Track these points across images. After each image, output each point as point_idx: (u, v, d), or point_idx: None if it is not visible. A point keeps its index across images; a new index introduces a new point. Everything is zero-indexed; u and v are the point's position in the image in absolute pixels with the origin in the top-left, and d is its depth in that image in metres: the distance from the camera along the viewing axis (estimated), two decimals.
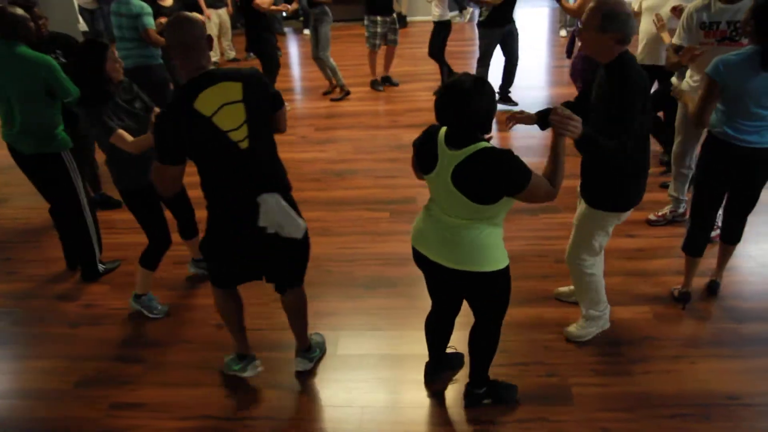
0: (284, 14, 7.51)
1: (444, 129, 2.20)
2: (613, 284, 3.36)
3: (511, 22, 6.11)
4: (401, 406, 2.76)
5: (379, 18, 6.83)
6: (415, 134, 2.39)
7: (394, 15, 6.96)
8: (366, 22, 6.96)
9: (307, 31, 10.19)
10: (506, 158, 2.08)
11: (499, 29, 6.06)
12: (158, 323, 3.42)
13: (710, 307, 3.25)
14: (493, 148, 2.10)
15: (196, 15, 5.62)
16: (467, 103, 2.02)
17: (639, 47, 4.41)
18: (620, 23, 2.34)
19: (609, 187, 2.65)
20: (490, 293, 2.36)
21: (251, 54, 8.70)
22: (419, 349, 2.96)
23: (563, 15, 9.04)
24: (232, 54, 8.75)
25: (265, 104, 2.36)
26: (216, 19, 8.18)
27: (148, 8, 4.88)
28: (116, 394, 2.94)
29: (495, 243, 2.25)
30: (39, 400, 2.94)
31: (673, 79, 3.96)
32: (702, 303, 3.29)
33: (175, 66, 5.23)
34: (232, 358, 2.98)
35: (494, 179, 2.08)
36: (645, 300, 3.33)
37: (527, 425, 2.61)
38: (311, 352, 2.99)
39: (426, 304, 3.42)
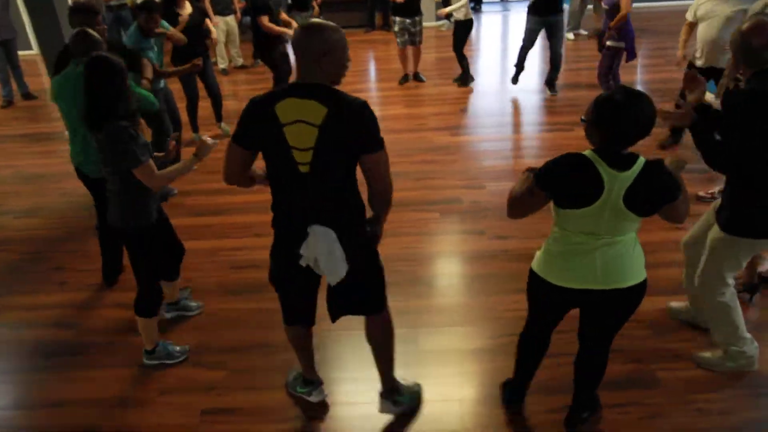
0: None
1: (592, 153, 2.08)
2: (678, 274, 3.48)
3: (555, 13, 6.43)
4: (496, 396, 2.82)
5: (398, 18, 7.18)
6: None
7: (416, 18, 7.19)
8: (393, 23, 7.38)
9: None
10: (665, 169, 2.08)
11: (541, 18, 6.45)
12: (229, 329, 3.41)
13: None
14: (649, 160, 2.08)
15: (207, 22, 5.68)
16: (642, 119, 1.98)
17: (697, 53, 4.66)
18: None
19: (747, 210, 2.58)
20: (634, 307, 2.31)
21: (259, 61, 8.72)
22: (497, 344, 3.03)
23: (570, 19, 9.18)
24: (240, 61, 8.73)
25: (349, 141, 2.13)
26: (224, 27, 8.16)
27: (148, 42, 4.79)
28: (204, 400, 2.94)
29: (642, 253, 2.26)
30: (127, 408, 2.92)
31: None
32: None
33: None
34: (297, 378, 2.92)
35: (661, 192, 2.07)
36: None
37: (626, 409, 2.70)
38: (398, 395, 2.77)
39: (491, 300, 3.49)
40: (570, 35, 9.30)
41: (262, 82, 7.90)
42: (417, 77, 7.75)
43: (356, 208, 2.32)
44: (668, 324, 3.17)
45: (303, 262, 2.31)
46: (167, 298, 3.44)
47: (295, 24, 6.44)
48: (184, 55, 5.42)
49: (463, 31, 7.10)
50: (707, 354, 2.93)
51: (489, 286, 3.60)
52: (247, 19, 9.76)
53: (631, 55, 5.96)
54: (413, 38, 7.28)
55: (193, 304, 3.59)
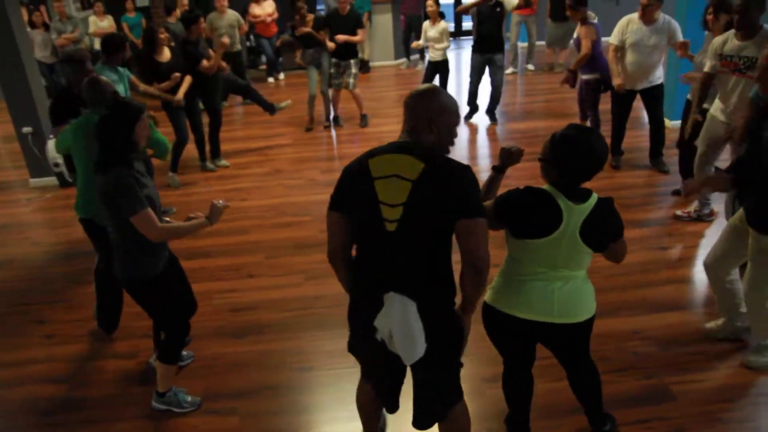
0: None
1: (550, 187, 2.19)
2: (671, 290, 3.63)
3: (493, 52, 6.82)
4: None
5: (335, 60, 7.17)
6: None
7: (351, 61, 7.14)
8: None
9: (271, 79, 10.28)
10: (613, 207, 2.22)
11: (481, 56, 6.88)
12: (235, 373, 3.31)
13: None
14: (600, 197, 2.21)
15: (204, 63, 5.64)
16: (597, 154, 2.12)
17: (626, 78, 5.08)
18: None
19: None
20: (587, 337, 2.43)
21: (223, 103, 8.67)
22: None
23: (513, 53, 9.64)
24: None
25: (445, 201, 1.95)
26: None
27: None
28: None
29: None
30: None
31: (705, 105, 4.36)
32: None
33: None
34: None
35: (611, 227, 2.21)
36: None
37: (650, 425, 2.76)
38: None
39: None
40: (530, 66, 9.73)
41: (226, 124, 7.86)
42: (336, 121, 7.65)
43: (444, 282, 2.08)
44: (672, 339, 3.29)
45: (378, 336, 2.12)
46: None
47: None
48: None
49: (446, 70, 7.37)
50: (753, 356, 3.04)
51: None
52: None
53: (606, 87, 5.90)
54: (348, 80, 7.16)
55: (184, 353, 3.42)
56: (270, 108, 6.83)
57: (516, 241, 2.24)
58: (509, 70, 9.61)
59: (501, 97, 7.30)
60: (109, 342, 3.67)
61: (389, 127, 7.42)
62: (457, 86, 9.43)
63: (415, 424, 2.31)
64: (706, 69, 4.02)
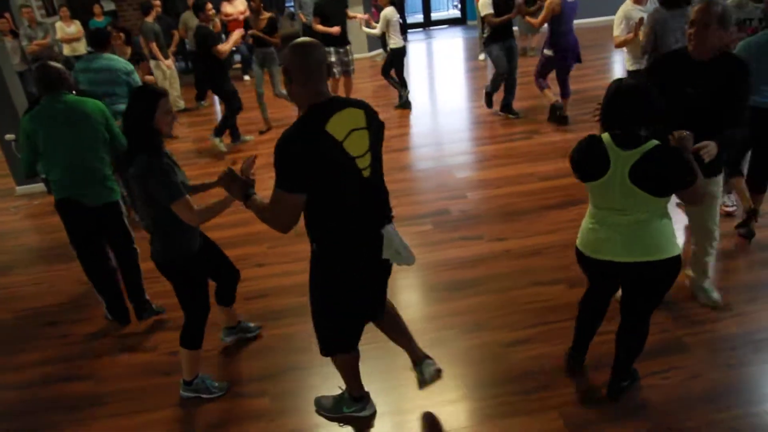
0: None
1: (606, 135, 2.36)
2: None
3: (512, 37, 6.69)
4: (550, 382, 2.95)
5: (332, 49, 7.15)
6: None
7: (347, 47, 7.26)
8: None
9: (247, 77, 10.23)
10: (677, 155, 2.30)
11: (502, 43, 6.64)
12: (258, 358, 3.35)
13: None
14: (664, 146, 2.30)
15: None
16: (647, 102, 2.26)
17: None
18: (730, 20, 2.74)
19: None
20: (666, 280, 2.50)
21: (202, 103, 8.64)
22: (531, 333, 3.18)
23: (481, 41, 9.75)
24: (182, 104, 8.59)
25: (381, 134, 2.31)
26: (163, 70, 8.04)
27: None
28: (259, 428, 2.87)
29: (673, 231, 2.47)
30: None
31: None
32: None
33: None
34: (338, 400, 2.84)
35: (668, 174, 2.29)
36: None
37: (666, 375, 2.90)
38: (428, 358, 2.84)
39: (509, 296, 3.68)
40: (482, 56, 9.81)
41: (207, 123, 7.84)
42: None
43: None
44: (681, 294, 3.43)
45: (393, 261, 2.40)
46: (225, 323, 3.40)
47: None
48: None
49: (399, 58, 7.42)
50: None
51: (503, 285, 3.75)
52: (182, 65, 9.74)
53: (570, 62, 6.29)
54: (347, 68, 7.31)
55: (252, 325, 3.53)
56: (236, 136, 6.97)
57: (586, 185, 2.47)
58: (481, 57, 9.75)
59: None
60: (126, 337, 3.66)
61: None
62: (430, 76, 9.57)
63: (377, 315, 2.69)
64: None
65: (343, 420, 2.84)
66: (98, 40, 4.81)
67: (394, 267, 2.52)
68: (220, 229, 4.80)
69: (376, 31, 7.26)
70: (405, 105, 7.63)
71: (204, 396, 3.08)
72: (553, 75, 6.42)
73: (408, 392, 2.95)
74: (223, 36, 10.37)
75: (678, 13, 4.23)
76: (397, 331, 2.80)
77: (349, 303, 2.45)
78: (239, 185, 2.44)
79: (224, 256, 3.21)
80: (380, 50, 11.02)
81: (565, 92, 6.44)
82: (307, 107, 2.17)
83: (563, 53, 6.19)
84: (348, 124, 2.17)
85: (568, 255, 3.92)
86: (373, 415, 2.86)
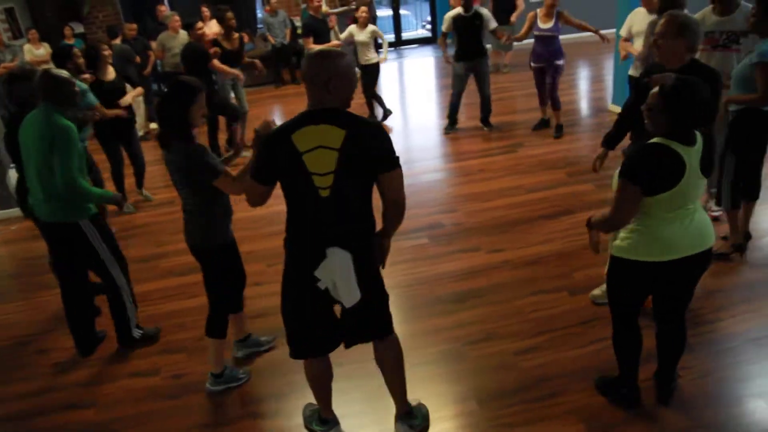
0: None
1: (664, 140, 2.31)
2: None
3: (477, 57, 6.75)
4: (565, 386, 2.98)
5: None
6: None
7: None
8: None
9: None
10: (712, 135, 2.47)
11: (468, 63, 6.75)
12: (265, 377, 3.30)
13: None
14: (703, 131, 2.42)
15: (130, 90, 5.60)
16: (705, 100, 2.29)
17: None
18: (693, 32, 2.88)
19: None
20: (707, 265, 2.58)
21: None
22: (541, 341, 3.22)
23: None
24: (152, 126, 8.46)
25: (367, 161, 2.20)
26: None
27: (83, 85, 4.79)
28: None
29: None
30: None
31: None
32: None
33: None
34: (313, 414, 2.87)
35: (713, 151, 2.47)
36: None
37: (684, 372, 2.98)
38: (413, 417, 2.78)
39: (513, 306, 3.71)
40: None
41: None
42: None
43: (370, 230, 2.37)
44: None
45: (321, 285, 2.30)
46: (234, 335, 3.40)
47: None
48: (109, 126, 5.31)
49: (376, 73, 7.48)
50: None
51: (505, 295, 3.79)
52: (154, 87, 9.60)
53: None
54: None
55: (263, 338, 3.51)
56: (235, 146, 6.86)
57: (647, 199, 2.34)
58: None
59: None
60: (125, 362, 3.56)
61: None
62: (401, 94, 9.67)
63: (348, 344, 2.56)
64: None
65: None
66: (57, 61, 4.85)
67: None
68: None
69: (363, 37, 7.27)
70: (384, 117, 7.76)
71: (232, 385, 3.20)
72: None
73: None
74: None
75: None
76: (390, 375, 2.69)
77: (290, 305, 2.49)
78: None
79: (241, 260, 3.25)
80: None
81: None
82: (304, 111, 2.27)
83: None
84: (317, 139, 2.16)
85: (567, 264, 4.05)
86: None
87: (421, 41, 13.41)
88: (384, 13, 13.89)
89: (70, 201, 3.23)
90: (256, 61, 7.18)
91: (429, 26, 13.83)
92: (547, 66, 6.41)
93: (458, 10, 6.65)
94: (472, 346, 3.35)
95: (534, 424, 2.78)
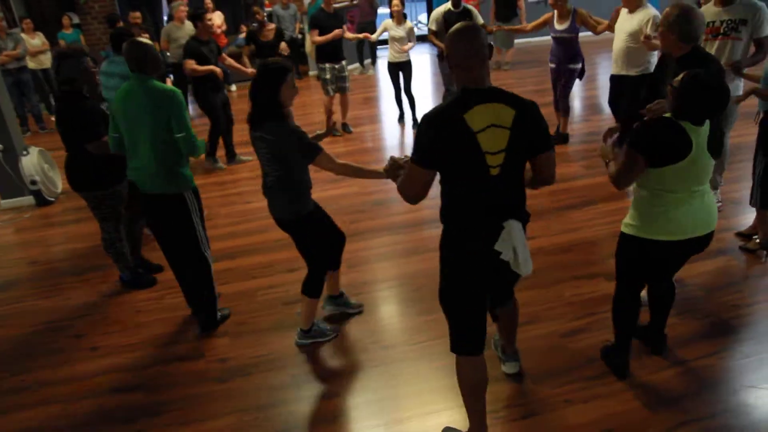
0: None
1: (672, 116, 2.49)
2: None
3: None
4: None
5: (327, 65, 7.06)
6: None
7: (343, 62, 7.16)
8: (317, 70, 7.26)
9: (234, 87, 10.12)
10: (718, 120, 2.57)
11: None
12: (319, 362, 3.30)
13: None
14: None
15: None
16: (726, 93, 2.42)
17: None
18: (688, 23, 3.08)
19: None
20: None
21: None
22: (585, 323, 3.29)
23: None
24: None
25: (532, 140, 2.23)
26: None
27: None
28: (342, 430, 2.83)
29: None
30: None
31: None
32: None
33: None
34: None
35: (720, 131, 2.57)
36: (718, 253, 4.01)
37: (720, 355, 3.06)
38: (517, 354, 3.05)
39: (552, 292, 3.78)
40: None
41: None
42: (345, 128, 7.45)
43: (525, 201, 2.40)
44: (717, 283, 3.64)
45: (505, 257, 2.27)
46: (327, 290, 3.51)
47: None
48: None
49: (411, 71, 7.34)
50: None
51: (545, 279, 3.84)
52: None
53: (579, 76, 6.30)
54: (342, 84, 7.14)
55: (354, 302, 3.63)
56: (231, 155, 6.69)
57: (656, 172, 2.50)
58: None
59: None
60: (168, 346, 3.52)
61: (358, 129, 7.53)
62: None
63: (497, 304, 2.81)
64: None
65: None
66: (117, 42, 4.70)
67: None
68: (235, 237, 4.78)
69: (374, 35, 7.29)
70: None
71: (320, 340, 3.37)
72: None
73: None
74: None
75: None
76: (510, 325, 2.95)
77: (457, 292, 2.40)
78: (396, 172, 2.75)
79: (331, 220, 3.33)
80: (357, 65, 11.07)
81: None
82: (460, 91, 2.19)
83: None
84: (490, 118, 2.13)
85: (596, 251, 4.14)
86: None
87: (418, 39, 13.48)
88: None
89: (176, 172, 3.30)
90: (283, 44, 6.88)
91: (423, 25, 13.89)
92: (561, 68, 6.12)
93: (447, 5, 6.68)
94: (520, 328, 3.36)
95: (592, 401, 2.83)
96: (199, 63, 5.84)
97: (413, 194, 2.31)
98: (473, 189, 2.23)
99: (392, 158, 2.81)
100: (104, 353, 3.51)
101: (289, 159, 2.90)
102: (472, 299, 2.40)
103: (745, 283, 3.66)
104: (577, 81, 6.28)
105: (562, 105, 6.29)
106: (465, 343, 2.45)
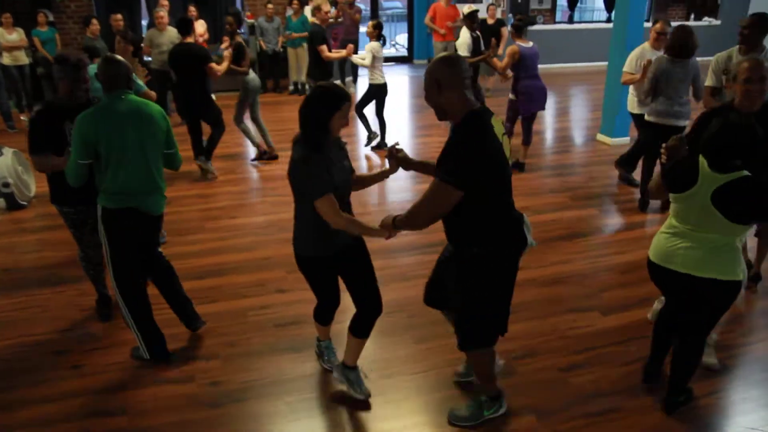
0: None
1: (701, 157, 2.58)
2: None
3: None
4: (617, 402, 3.04)
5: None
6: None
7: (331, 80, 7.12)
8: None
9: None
10: (755, 186, 2.48)
11: None
12: (311, 386, 3.21)
13: None
14: (754, 178, 2.49)
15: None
16: (753, 140, 2.46)
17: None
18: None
19: None
20: (726, 302, 2.70)
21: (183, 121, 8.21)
22: (586, 358, 3.29)
23: None
24: None
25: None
26: None
27: None
28: None
29: (740, 258, 2.65)
30: None
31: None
32: None
33: None
34: (478, 405, 2.90)
35: (752, 205, 2.49)
36: None
37: (718, 396, 3.10)
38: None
39: (548, 323, 3.77)
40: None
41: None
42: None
43: None
44: None
45: (531, 244, 2.58)
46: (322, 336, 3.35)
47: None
48: None
49: (380, 95, 7.19)
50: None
51: (539, 312, 3.83)
52: None
53: (533, 109, 6.26)
54: None
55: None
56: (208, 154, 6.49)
57: (672, 197, 2.70)
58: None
59: None
60: (153, 368, 3.35)
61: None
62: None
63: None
64: (709, 83, 4.33)
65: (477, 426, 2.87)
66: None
67: None
68: (223, 253, 4.64)
69: (366, 62, 7.11)
70: (380, 146, 7.42)
71: (351, 392, 3.08)
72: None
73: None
74: None
75: (681, 64, 4.62)
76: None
77: (506, 293, 2.65)
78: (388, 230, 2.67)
79: (371, 282, 2.94)
80: (338, 82, 11.00)
81: (526, 139, 6.36)
82: (467, 113, 2.34)
83: (526, 99, 6.12)
84: (498, 129, 2.40)
85: (589, 284, 4.16)
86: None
87: (398, 60, 13.60)
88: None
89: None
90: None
91: (401, 46, 14.00)
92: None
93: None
94: (518, 361, 3.36)
95: None
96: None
97: (437, 215, 2.44)
98: (507, 189, 2.48)
99: (392, 147, 2.93)
100: (87, 372, 3.32)
101: (295, 188, 2.70)
102: (508, 297, 2.68)
103: (742, 321, 3.72)
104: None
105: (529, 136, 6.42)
106: (500, 327, 2.72)
